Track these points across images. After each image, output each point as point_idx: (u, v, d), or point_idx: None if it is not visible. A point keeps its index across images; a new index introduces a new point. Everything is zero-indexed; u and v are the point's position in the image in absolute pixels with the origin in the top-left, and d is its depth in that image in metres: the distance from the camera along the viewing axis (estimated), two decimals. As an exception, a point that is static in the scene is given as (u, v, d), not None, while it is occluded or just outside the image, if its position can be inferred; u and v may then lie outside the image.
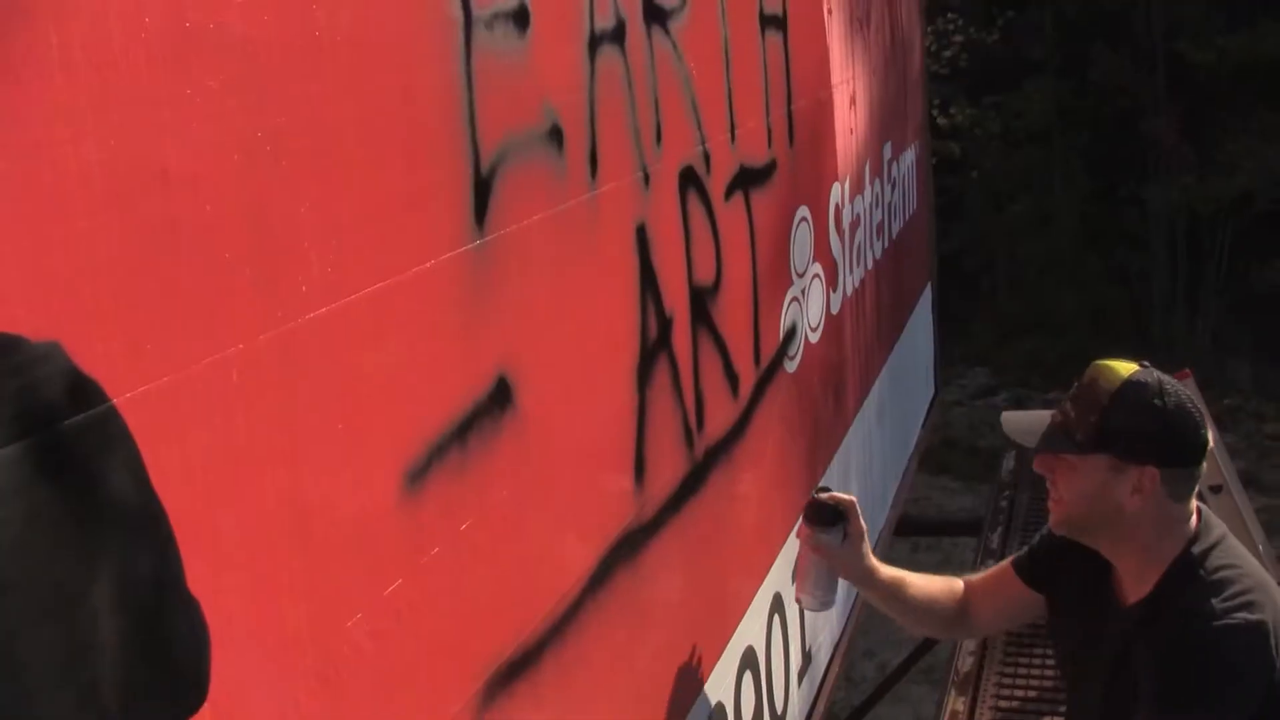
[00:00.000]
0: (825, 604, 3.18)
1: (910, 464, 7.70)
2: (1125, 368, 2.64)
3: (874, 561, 3.10)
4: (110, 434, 1.43)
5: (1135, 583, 2.69)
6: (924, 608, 3.16)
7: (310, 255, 1.76)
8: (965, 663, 5.64)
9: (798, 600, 3.28)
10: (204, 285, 1.56)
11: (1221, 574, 2.59)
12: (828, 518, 3.03)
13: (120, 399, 1.43)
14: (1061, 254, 20.46)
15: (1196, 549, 2.63)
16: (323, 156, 1.80)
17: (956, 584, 3.17)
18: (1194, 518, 2.67)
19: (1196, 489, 2.67)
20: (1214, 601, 2.53)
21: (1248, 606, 2.52)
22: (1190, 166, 19.23)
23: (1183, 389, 2.65)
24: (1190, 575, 2.60)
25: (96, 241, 1.40)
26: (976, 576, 3.19)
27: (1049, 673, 5.47)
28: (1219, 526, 2.72)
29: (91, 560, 1.40)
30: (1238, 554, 2.67)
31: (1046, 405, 2.94)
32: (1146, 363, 2.69)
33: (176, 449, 1.52)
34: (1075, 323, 19.45)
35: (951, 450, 16.08)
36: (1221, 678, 2.51)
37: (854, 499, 3.11)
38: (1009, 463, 8.38)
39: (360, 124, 1.89)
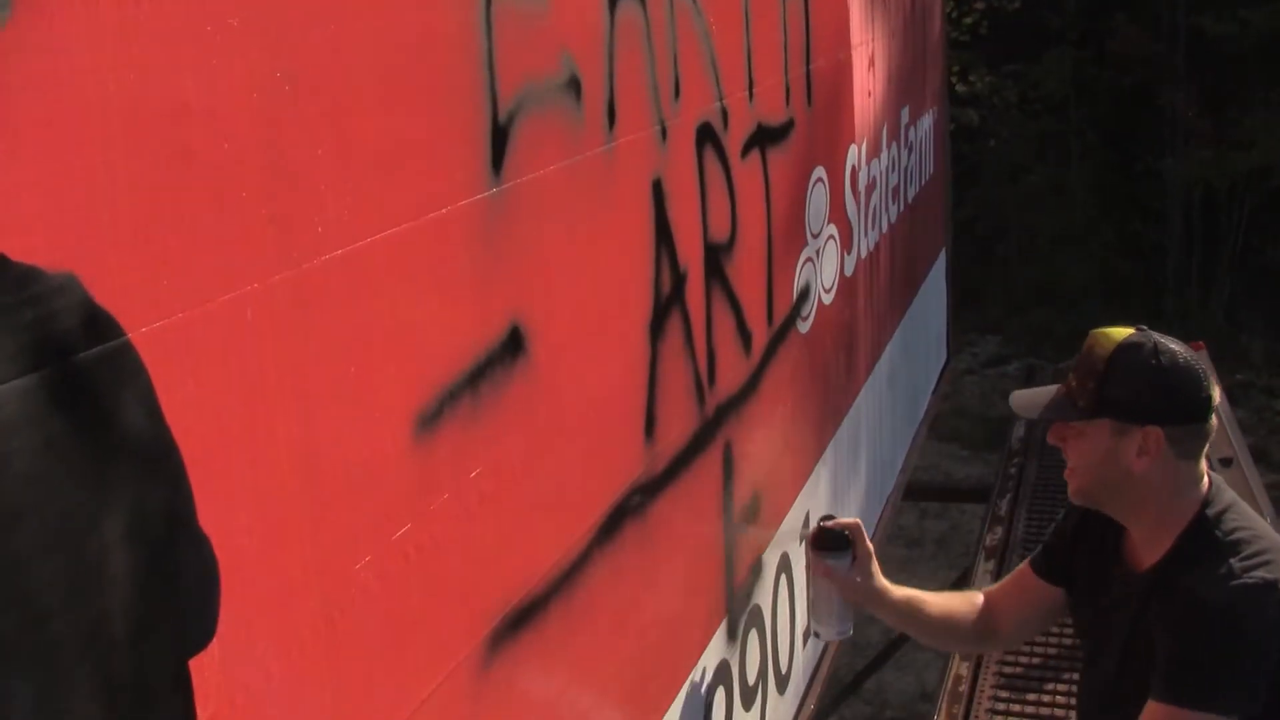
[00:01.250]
0: (841, 632, 3.19)
1: (920, 429, 7.71)
2: (1121, 332, 2.67)
3: (884, 582, 3.10)
4: (125, 368, 1.43)
5: (1149, 548, 2.71)
6: (945, 624, 3.16)
7: (327, 197, 1.76)
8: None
9: (815, 634, 3.31)
10: (220, 222, 1.56)
11: (1238, 535, 2.60)
12: (835, 543, 3.04)
13: (135, 333, 1.43)
14: (1076, 225, 20.38)
15: (1211, 511, 2.64)
16: (341, 98, 1.79)
17: (976, 597, 3.16)
18: (1205, 480, 2.68)
19: (1206, 448, 2.68)
20: (1232, 561, 2.55)
21: (1265, 566, 2.54)
22: (1208, 140, 19.12)
23: (1181, 348, 2.66)
24: (1206, 536, 2.62)
25: (115, 174, 1.40)
26: (995, 587, 3.19)
27: (1053, 640, 5.48)
28: (1229, 491, 2.73)
29: (104, 493, 1.41)
30: (1251, 517, 2.69)
31: (1058, 375, 2.96)
32: (1144, 326, 2.71)
33: (190, 386, 1.52)
34: (1088, 294, 19.38)
35: (961, 418, 16.07)
36: (1240, 636, 2.52)
37: (859, 521, 3.13)
38: (1019, 431, 8.38)
39: (379, 67, 1.88)
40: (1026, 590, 3.07)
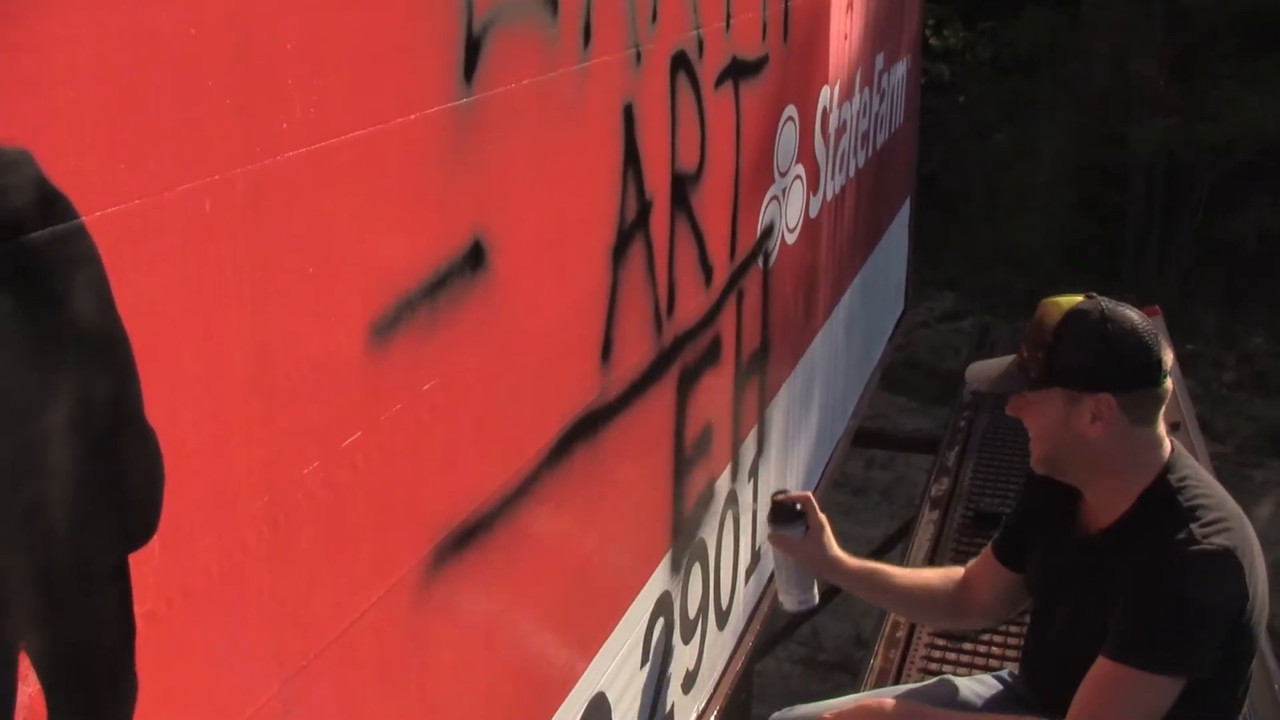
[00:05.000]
0: (804, 602, 3.27)
1: (873, 376, 7.72)
2: (1069, 300, 2.69)
3: (839, 552, 3.18)
4: (77, 252, 1.39)
5: (1107, 510, 2.74)
6: (918, 595, 3.21)
7: (293, 93, 1.72)
8: (910, 576, 5.67)
9: (781, 604, 3.40)
10: (183, 110, 1.52)
11: (1199, 501, 2.63)
12: (788, 516, 3.14)
13: (89, 217, 1.40)
14: (1040, 186, 20.38)
15: (1173, 476, 2.67)
16: (313, -7, 1.75)
17: (955, 571, 3.21)
18: (1166, 445, 2.70)
19: (1162, 411, 2.69)
20: (1193, 527, 2.58)
21: (1224, 533, 2.58)
22: (1176, 110, 19.15)
23: (1132, 313, 2.67)
24: (1168, 500, 2.64)
25: (76, 52, 1.36)
26: (971, 563, 3.20)
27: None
28: (1190, 458, 2.76)
29: (49, 377, 1.37)
30: (1212, 485, 2.72)
31: (1013, 334, 2.99)
32: (1094, 294, 2.72)
33: (144, 275, 1.49)
34: (1047, 255, 19.38)
35: (913, 370, 16.10)
36: (1195, 601, 2.56)
37: (810, 494, 3.22)
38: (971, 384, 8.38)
39: (354, -35, 1.84)
40: (990, 570, 3.10)
